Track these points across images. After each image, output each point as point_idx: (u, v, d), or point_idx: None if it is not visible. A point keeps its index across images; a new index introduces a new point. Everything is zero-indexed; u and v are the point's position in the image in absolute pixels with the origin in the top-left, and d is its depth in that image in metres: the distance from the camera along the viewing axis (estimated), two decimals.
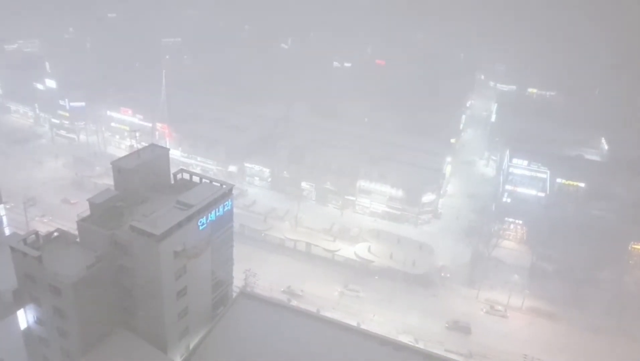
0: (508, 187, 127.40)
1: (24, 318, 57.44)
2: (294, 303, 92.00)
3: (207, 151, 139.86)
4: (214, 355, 58.71)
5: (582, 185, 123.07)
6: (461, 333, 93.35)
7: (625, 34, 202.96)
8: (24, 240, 54.71)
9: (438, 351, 76.82)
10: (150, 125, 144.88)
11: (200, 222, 57.73)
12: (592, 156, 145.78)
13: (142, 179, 61.63)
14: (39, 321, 56.82)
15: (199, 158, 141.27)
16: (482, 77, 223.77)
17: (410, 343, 75.45)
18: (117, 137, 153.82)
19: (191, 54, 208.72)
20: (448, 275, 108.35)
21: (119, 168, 61.14)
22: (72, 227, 60.77)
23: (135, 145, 74.66)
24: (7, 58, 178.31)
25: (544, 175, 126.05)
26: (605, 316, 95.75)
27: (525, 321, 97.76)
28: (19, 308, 56.88)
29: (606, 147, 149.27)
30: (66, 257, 54.76)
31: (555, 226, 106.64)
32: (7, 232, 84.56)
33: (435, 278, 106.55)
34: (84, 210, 57.98)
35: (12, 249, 53.90)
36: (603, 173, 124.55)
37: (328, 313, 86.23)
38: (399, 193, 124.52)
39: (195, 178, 66.11)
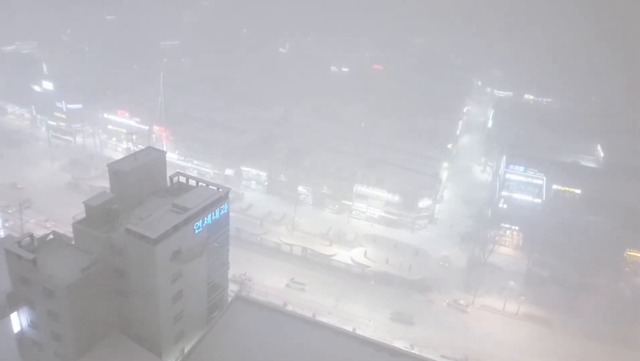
0: (504, 192, 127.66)
1: (18, 321, 56.96)
2: (290, 307, 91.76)
3: (204, 154, 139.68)
4: (209, 359, 58.46)
5: (578, 191, 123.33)
6: (404, 324, 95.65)
7: (621, 41, 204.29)
8: (19, 243, 54.39)
9: (434, 357, 76.78)
10: (147, 127, 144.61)
11: (197, 225, 57.60)
12: (588, 162, 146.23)
13: (139, 182, 61.47)
14: (33, 324, 56.42)
15: (195, 162, 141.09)
16: (479, 82, 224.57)
17: (405, 349, 75.34)
18: (114, 139, 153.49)
19: (189, 57, 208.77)
20: (447, 265, 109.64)
21: (115, 170, 60.99)
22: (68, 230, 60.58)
23: (132, 148, 74.86)
24: (5, 59, 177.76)
25: (540, 181, 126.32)
26: (600, 322, 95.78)
27: (521, 327, 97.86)
28: (12, 311, 56.42)
29: (602, 153, 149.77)
30: (61, 260, 54.48)
31: (551, 232, 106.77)
32: (1, 234, 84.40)
33: (431, 283, 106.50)
34: (80, 211, 57.71)
35: (7, 252, 53.52)
36: (599, 180, 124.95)
37: (324, 318, 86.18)
38: (396, 198, 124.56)
39: (192, 182, 65.99)
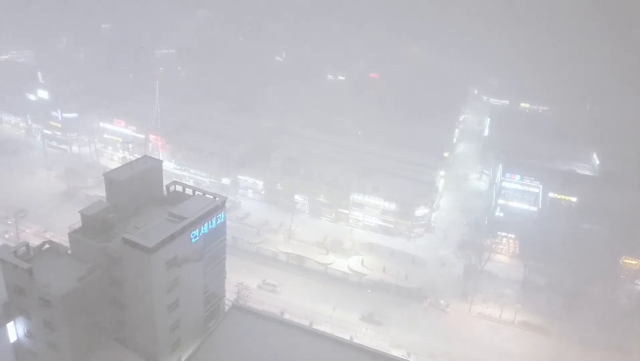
0: (501, 201, 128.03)
1: (14, 331, 56.60)
2: (287, 316, 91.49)
3: (201, 163, 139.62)
4: None
5: (574, 199, 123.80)
6: (374, 325, 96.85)
7: (617, 49, 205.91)
8: (15, 252, 54.18)
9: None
10: (143, 136, 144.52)
11: (193, 234, 57.52)
12: (584, 170, 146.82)
13: (135, 191, 61.42)
14: (29, 334, 56.11)
15: (192, 170, 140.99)
16: (475, 91, 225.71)
17: (402, 357, 75.14)
18: (110, 148, 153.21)
19: (185, 66, 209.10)
20: (445, 264, 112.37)
21: (111, 180, 60.90)
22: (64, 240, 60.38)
23: (128, 157, 74.66)
24: None
25: (536, 190, 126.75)
26: (597, 330, 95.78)
27: (518, 334, 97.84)
28: (8, 321, 56.03)
29: (598, 161, 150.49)
30: (57, 269, 54.32)
31: (548, 240, 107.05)
32: None
33: (428, 292, 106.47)
34: (77, 220, 57.64)
35: (2, 261, 53.29)
36: (595, 188, 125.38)
37: (320, 327, 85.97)
38: (392, 206, 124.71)
39: (188, 191, 65.95)
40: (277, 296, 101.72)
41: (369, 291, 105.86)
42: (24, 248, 55.45)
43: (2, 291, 55.23)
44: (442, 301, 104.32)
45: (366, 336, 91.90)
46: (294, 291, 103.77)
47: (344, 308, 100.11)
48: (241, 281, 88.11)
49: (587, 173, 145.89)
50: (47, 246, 57.98)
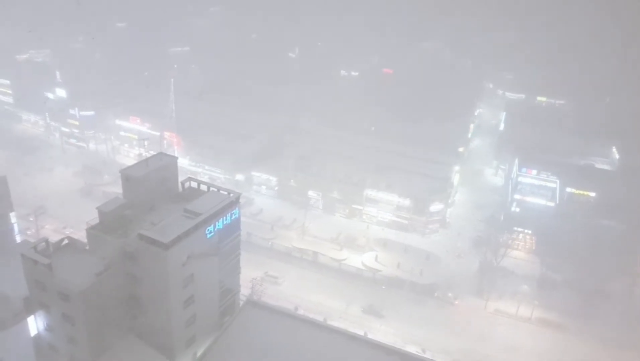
0: (517, 196, 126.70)
1: (34, 325, 57.76)
2: (301, 311, 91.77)
3: (215, 160, 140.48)
4: None
5: (592, 194, 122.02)
6: (375, 316, 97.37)
7: (636, 41, 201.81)
8: (35, 248, 55.21)
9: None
10: (158, 133, 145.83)
11: (208, 230, 57.98)
12: (602, 165, 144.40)
13: (151, 187, 62.06)
14: (48, 328, 57.15)
15: (206, 167, 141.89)
16: (491, 85, 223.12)
17: (417, 353, 74.96)
18: (126, 145, 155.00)
19: (199, 63, 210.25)
20: (462, 256, 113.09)
21: (128, 176, 61.59)
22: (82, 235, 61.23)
23: (143, 154, 75.41)
24: (19, 68, 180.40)
25: (553, 185, 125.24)
26: (615, 328, 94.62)
27: (535, 331, 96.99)
28: (29, 315, 57.20)
29: (617, 156, 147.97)
30: (75, 265, 55.21)
31: (565, 236, 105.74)
32: (18, 239, 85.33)
33: (443, 288, 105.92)
34: (94, 217, 58.41)
35: (23, 257, 54.36)
36: (614, 183, 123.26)
37: (335, 323, 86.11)
38: (407, 202, 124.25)
39: (203, 187, 66.52)
40: (287, 290, 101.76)
41: (383, 287, 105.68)
42: (43, 244, 56.49)
43: (23, 286, 56.29)
44: (450, 295, 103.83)
45: (380, 332, 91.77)
46: (306, 286, 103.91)
47: (358, 304, 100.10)
48: (255, 276, 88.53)
49: (606, 167, 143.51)
50: (65, 242, 58.97)
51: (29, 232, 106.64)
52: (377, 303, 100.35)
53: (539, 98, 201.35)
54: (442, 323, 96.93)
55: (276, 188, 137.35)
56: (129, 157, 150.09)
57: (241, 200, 64.98)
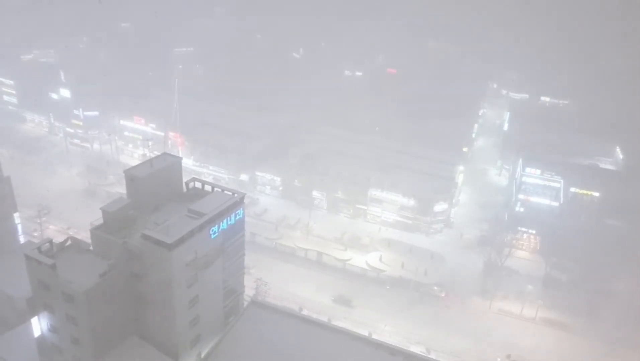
0: (521, 196, 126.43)
1: (38, 325, 57.81)
2: (305, 312, 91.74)
3: (219, 160, 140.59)
4: None
5: (596, 194, 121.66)
6: (345, 306, 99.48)
7: None
8: (38, 248, 55.20)
9: None
10: (162, 134, 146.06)
11: (212, 230, 57.89)
12: (606, 165, 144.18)
13: (155, 188, 62.00)
14: (52, 328, 57.17)
15: (210, 167, 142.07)
16: (495, 85, 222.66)
17: (421, 354, 74.81)
18: (130, 145, 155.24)
19: (203, 63, 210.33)
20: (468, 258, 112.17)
21: (132, 176, 61.54)
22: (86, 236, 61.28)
23: (147, 154, 75.34)
24: (23, 68, 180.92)
25: (557, 184, 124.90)
26: (620, 328, 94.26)
27: (540, 331, 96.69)
28: (32, 316, 57.30)
29: (621, 155, 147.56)
30: (79, 265, 55.17)
31: (569, 236, 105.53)
32: (21, 240, 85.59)
33: (448, 288, 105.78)
34: (98, 217, 58.43)
35: (27, 257, 54.38)
36: (618, 182, 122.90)
37: (339, 323, 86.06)
38: (411, 202, 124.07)
39: (207, 187, 66.37)
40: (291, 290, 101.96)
41: (388, 287, 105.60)
42: (47, 244, 56.47)
43: (27, 286, 56.38)
44: (436, 288, 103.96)
45: (385, 332, 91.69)
46: (311, 288, 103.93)
47: (362, 304, 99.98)
48: (259, 277, 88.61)
49: (610, 167, 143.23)
50: (69, 242, 58.91)
51: (35, 234, 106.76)
52: (378, 303, 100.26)
53: (542, 98, 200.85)
54: (447, 323, 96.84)
55: (280, 188, 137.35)
56: (133, 157, 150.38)
57: (245, 201, 64.92)
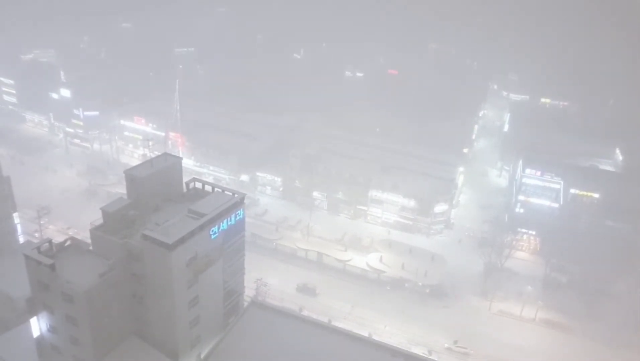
0: (521, 197, 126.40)
1: (37, 326, 57.65)
2: (305, 313, 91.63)
3: (220, 160, 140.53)
4: None
5: (596, 195, 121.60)
6: (308, 295, 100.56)
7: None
8: (38, 248, 55.08)
9: None
10: (163, 134, 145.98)
11: (212, 231, 57.85)
12: (606, 166, 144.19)
13: (155, 188, 61.94)
14: (51, 329, 57.04)
15: (211, 168, 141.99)
16: (495, 86, 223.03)
17: (422, 355, 74.72)
18: (130, 145, 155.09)
19: (204, 64, 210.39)
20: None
21: (132, 177, 61.49)
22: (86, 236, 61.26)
23: (148, 154, 75.13)
24: (23, 68, 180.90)
25: (557, 186, 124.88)
26: (619, 329, 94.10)
27: (540, 332, 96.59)
28: (32, 316, 57.18)
29: (621, 157, 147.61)
30: (79, 265, 55.10)
31: (569, 237, 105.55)
32: (21, 240, 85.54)
33: (448, 290, 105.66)
34: (98, 217, 58.35)
35: (26, 257, 54.24)
36: (617, 184, 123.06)
37: (339, 323, 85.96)
38: (411, 203, 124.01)
39: (208, 188, 66.35)
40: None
41: (388, 288, 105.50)
42: (47, 244, 56.37)
43: (26, 286, 56.27)
44: (420, 284, 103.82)
45: (385, 333, 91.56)
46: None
47: (363, 305, 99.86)
48: (260, 277, 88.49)
49: (610, 168, 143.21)
50: (69, 242, 58.83)
51: (37, 235, 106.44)
52: (383, 304, 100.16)
53: (543, 99, 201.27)
54: (447, 324, 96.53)
55: (281, 189, 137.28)
56: (134, 157, 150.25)
57: (246, 201, 64.89)
